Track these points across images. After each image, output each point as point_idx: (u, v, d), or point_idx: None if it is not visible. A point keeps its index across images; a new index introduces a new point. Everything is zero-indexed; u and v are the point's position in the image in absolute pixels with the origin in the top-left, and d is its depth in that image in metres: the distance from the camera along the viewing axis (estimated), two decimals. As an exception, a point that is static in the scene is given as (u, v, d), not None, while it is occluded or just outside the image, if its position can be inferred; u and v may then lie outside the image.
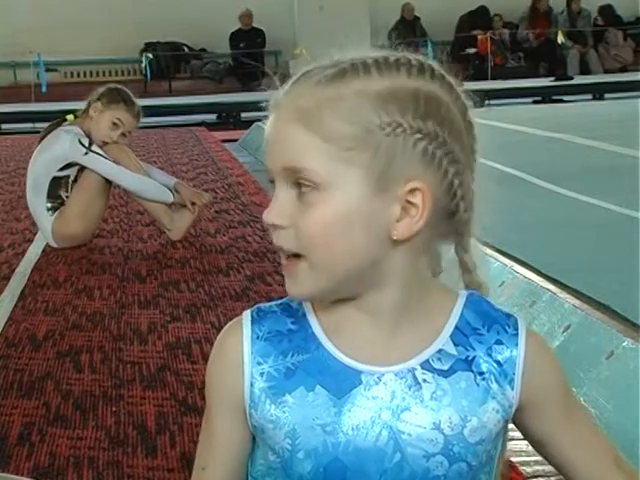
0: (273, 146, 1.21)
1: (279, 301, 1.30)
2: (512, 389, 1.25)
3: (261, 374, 1.24)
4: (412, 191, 1.18)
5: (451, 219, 1.23)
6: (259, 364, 1.25)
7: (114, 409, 3.00)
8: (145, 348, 3.57)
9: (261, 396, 1.24)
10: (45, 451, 2.72)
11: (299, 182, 1.18)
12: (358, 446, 1.21)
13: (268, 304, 1.30)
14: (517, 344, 1.25)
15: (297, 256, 1.20)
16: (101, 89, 5.34)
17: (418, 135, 1.18)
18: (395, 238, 1.19)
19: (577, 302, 3.40)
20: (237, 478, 1.32)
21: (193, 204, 5.34)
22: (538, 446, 1.33)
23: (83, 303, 4.22)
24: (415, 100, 1.18)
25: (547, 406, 1.29)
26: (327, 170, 1.16)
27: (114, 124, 5.22)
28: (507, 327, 1.26)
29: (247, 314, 1.29)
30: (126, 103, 5.26)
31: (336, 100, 1.17)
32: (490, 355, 1.25)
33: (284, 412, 1.23)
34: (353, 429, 1.21)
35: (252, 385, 1.25)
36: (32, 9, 16.57)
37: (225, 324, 1.33)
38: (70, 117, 5.33)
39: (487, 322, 1.26)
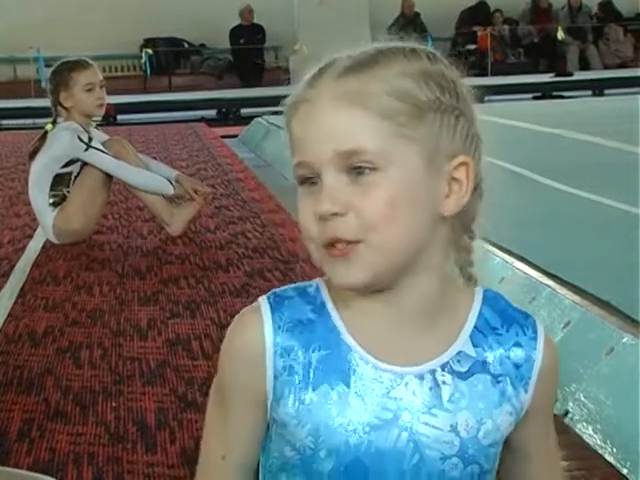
0: (317, 137, 1.16)
1: (294, 285, 1.26)
2: (525, 392, 1.24)
3: (284, 368, 1.21)
4: (457, 167, 1.19)
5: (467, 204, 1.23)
6: (281, 357, 1.21)
7: (114, 405, 3.00)
8: (145, 344, 3.57)
9: (285, 391, 1.21)
10: (45, 447, 2.72)
11: (355, 166, 1.15)
12: (379, 447, 1.19)
13: (283, 288, 1.26)
14: (536, 348, 1.25)
15: (352, 243, 1.16)
16: (47, 87, 5.30)
17: (457, 112, 1.20)
18: (445, 214, 1.19)
19: (577, 298, 3.39)
20: (254, 465, 1.29)
21: (196, 192, 5.35)
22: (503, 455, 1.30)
23: (83, 299, 4.22)
24: (445, 81, 1.20)
25: (540, 414, 1.28)
26: (385, 148, 1.15)
27: (88, 90, 5.19)
28: (526, 329, 1.25)
29: (265, 302, 1.24)
30: (73, 69, 5.21)
31: (382, 80, 1.16)
32: (508, 357, 1.23)
33: (308, 410, 1.19)
34: (375, 430, 1.19)
35: (276, 378, 1.21)
36: (32, 5, 16.56)
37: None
38: (49, 127, 5.27)
39: (506, 321, 1.25)
